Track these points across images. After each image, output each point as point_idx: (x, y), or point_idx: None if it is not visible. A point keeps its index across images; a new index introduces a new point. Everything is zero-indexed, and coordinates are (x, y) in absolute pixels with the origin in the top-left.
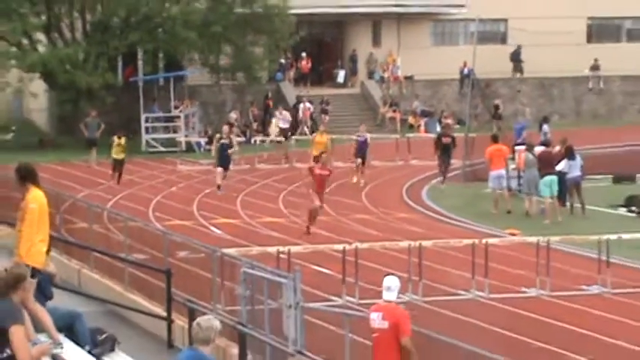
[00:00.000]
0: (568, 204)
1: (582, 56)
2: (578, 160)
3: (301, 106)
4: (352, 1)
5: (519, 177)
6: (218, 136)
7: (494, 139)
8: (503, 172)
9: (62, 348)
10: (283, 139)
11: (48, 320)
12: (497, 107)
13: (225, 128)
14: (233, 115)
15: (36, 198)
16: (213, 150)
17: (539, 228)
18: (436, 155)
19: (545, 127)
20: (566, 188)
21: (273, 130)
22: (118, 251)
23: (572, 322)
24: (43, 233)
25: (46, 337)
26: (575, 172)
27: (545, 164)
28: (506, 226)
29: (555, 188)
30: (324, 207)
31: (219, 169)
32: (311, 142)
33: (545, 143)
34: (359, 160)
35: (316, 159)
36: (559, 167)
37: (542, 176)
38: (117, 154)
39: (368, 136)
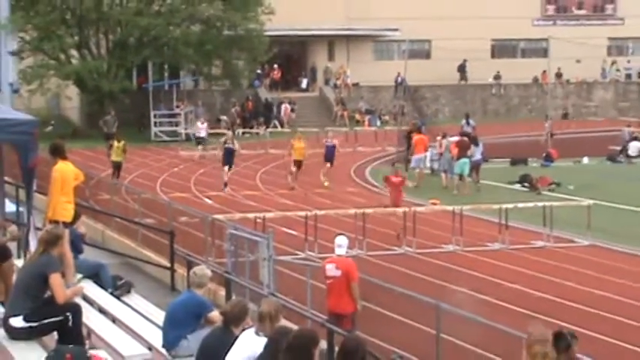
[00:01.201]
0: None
1: (487, 68)
2: (480, 147)
3: (283, 106)
4: (312, 25)
5: (439, 160)
6: (223, 139)
7: (419, 131)
8: (423, 155)
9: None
10: (200, 147)
11: (71, 266)
12: (402, 107)
13: (229, 134)
14: (224, 118)
15: (57, 169)
16: (218, 150)
17: (454, 199)
18: (405, 148)
19: (471, 121)
20: (471, 168)
21: (196, 128)
22: (133, 216)
23: (479, 270)
24: (67, 196)
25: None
26: (477, 156)
27: (461, 149)
28: (429, 197)
29: (467, 169)
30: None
31: (225, 168)
32: (290, 148)
33: (463, 134)
34: (327, 165)
35: (297, 163)
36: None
37: (458, 159)
38: (116, 156)
39: (336, 142)
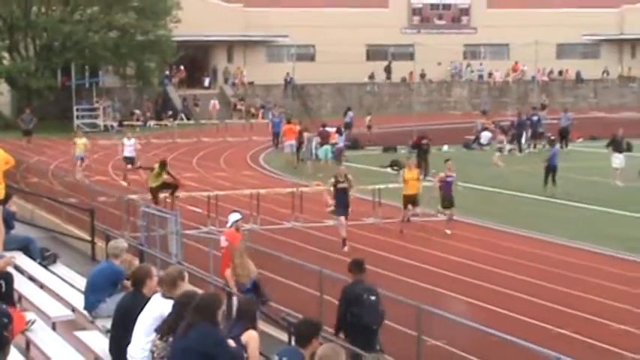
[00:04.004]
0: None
1: (363, 70)
2: (343, 136)
3: (212, 102)
4: (214, 32)
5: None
6: (334, 180)
7: (288, 121)
8: (293, 142)
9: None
10: (130, 166)
11: (0, 239)
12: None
13: (343, 170)
14: (137, 111)
15: None
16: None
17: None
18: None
19: (350, 113)
20: (336, 154)
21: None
22: (58, 197)
23: (357, 241)
24: None
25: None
26: (340, 144)
27: (323, 137)
28: (313, 179)
29: (329, 154)
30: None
31: (343, 219)
32: (402, 181)
33: (323, 124)
34: (450, 212)
35: (408, 199)
36: (333, 140)
37: (321, 145)
38: (153, 181)
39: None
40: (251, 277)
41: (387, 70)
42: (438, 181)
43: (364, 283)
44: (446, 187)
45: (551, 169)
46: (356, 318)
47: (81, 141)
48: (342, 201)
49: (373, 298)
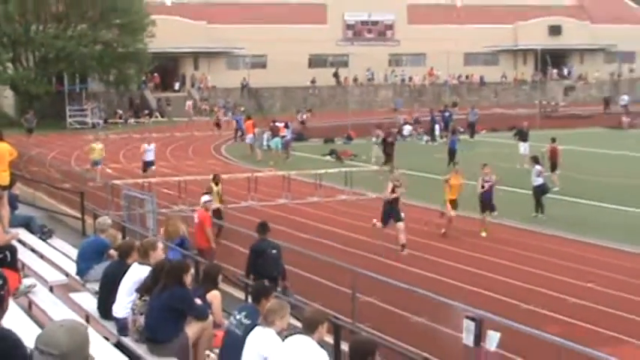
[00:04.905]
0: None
1: (306, 75)
2: (290, 130)
3: (188, 103)
4: (182, 45)
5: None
6: (391, 185)
7: (248, 117)
8: (252, 135)
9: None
10: (152, 167)
11: (5, 217)
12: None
13: (397, 174)
14: (120, 111)
15: None
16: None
17: (285, 166)
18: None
19: (303, 112)
20: (284, 145)
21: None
22: (54, 182)
23: (302, 216)
24: (3, 166)
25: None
26: (288, 136)
27: (274, 131)
28: (267, 166)
29: (279, 145)
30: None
31: (401, 225)
32: (445, 184)
33: (274, 120)
34: (490, 215)
35: (452, 203)
36: (282, 133)
37: (272, 138)
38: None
39: (494, 178)
40: (180, 235)
41: (335, 75)
42: (480, 185)
43: (268, 241)
44: (486, 192)
45: (451, 152)
46: (261, 268)
47: (98, 146)
48: (396, 207)
49: (275, 252)
